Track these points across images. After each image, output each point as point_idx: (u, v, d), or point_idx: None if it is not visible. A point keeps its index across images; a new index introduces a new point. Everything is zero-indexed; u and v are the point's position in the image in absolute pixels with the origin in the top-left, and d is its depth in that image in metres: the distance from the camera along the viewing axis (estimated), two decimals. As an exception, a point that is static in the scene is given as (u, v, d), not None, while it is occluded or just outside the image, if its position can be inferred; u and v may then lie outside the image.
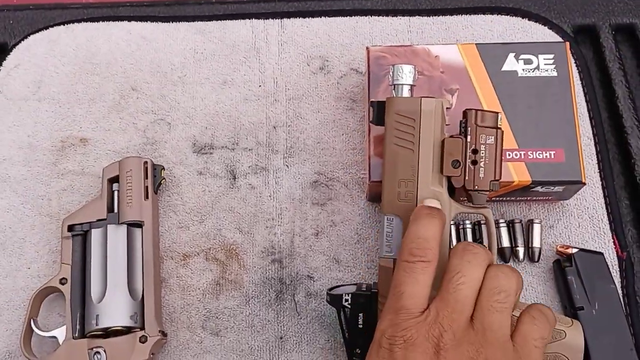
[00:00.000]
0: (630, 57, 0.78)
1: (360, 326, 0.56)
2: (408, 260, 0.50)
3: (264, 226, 0.68)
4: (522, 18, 0.76)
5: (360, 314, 0.57)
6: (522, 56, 0.66)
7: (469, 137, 0.55)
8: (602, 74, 0.76)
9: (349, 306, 0.57)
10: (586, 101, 0.72)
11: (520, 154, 0.62)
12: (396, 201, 0.55)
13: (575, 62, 0.74)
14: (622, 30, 0.78)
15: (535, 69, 0.65)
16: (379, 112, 0.58)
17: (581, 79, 0.73)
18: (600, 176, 0.69)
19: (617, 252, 0.65)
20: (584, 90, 0.72)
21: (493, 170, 0.54)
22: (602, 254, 0.63)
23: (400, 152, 0.55)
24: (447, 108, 0.61)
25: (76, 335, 0.62)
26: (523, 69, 0.65)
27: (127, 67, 0.76)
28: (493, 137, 0.54)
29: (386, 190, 0.56)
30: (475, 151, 0.55)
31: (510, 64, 0.66)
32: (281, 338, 0.64)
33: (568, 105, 0.64)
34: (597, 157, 0.69)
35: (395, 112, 0.56)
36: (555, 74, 0.65)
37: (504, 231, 0.66)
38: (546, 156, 0.62)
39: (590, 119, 0.71)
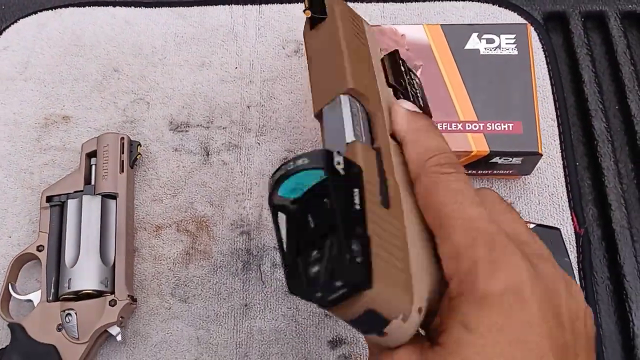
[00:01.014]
0: (600, 44, 0.79)
1: (358, 207, 0.35)
2: (440, 172, 0.40)
3: (234, 200, 0.71)
4: (493, 4, 0.78)
5: (356, 189, 0.36)
6: (485, 36, 0.68)
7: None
8: (570, 59, 0.78)
9: (342, 174, 0.36)
10: (551, 84, 0.74)
11: (480, 126, 0.64)
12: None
13: (543, 47, 0.76)
14: (592, 18, 0.80)
15: (497, 47, 0.67)
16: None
17: (547, 63, 0.75)
18: (562, 156, 0.70)
19: (575, 228, 0.66)
20: (549, 73, 0.74)
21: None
22: (559, 229, 0.65)
23: (357, 42, 0.48)
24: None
25: (50, 298, 0.65)
26: (485, 48, 0.68)
27: (110, 50, 0.79)
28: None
29: (352, 70, 0.45)
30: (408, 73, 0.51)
31: (473, 43, 0.68)
32: (246, 305, 0.66)
33: (527, 81, 0.66)
34: (560, 137, 0.71)
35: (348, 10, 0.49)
36: (516, 52, 0.67)
37: (465, 206, 0.67)
38: (504, 128, 0.64)
39: (555, 101, 0.73)
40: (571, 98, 0.76)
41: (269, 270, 0.67)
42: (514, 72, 0.66)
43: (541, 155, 0.63)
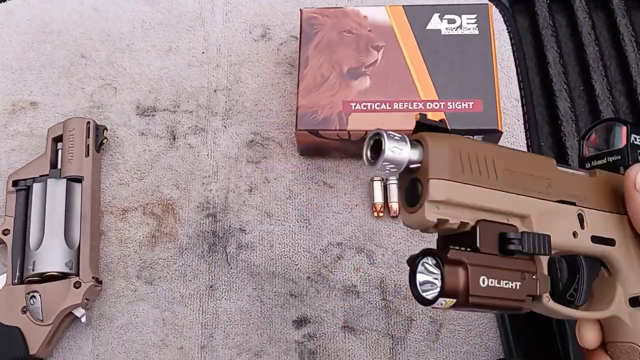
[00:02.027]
0: (565, 26, 0.80)
1: None
2: None
3: (200, 183, 0.71)
4: (459, -13, 0.78)
5: None
6: (446, 16, 0.68)
7: None
8: (535, 41, 0.78)
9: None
10: (516, 65, 0.74)
11: (440, 105, 0.64)
12: None
13: (508, 29, 0.76)
14: (558, 1, 0.80)
15: (458, 27, 0.68)
16: None
17: (512, 45, 0.75)
18: (526, 135, 0.71)
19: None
20: (514, 55, 0.75)
21: None
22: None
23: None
24: (372, 63, 0.65)
25: (15, 281, 0.65)
26: (446, 28, 0.68)
27: (78, 36, 0.79)
28: None
29: None
30: None
31: (435, 23, 0.68)
32: (211, 287, 0.66)
33: (488, 60, 0.66)
34: (524, 117, 0.72)
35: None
36: (476, 32, 0.68)
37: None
38: (465, 107, 0.64)
39: (519, 81, 0.73)
40: (536, 79, 0.76)
41: (235, 252, 0.67)
42: (474, 51, 0.67)
43: (501, 132, 0.64)
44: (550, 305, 0.42)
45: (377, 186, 0.68)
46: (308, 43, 0.69)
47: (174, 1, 0.81)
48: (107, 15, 0.80)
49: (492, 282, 0.38)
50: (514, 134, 0.71)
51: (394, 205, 0.67)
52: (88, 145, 0.70)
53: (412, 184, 0.39)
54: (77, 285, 0.64)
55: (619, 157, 0.50)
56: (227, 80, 0.76)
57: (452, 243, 0.39)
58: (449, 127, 0.40)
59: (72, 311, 0.64)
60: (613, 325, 0.47)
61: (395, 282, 0.65)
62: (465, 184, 0.39)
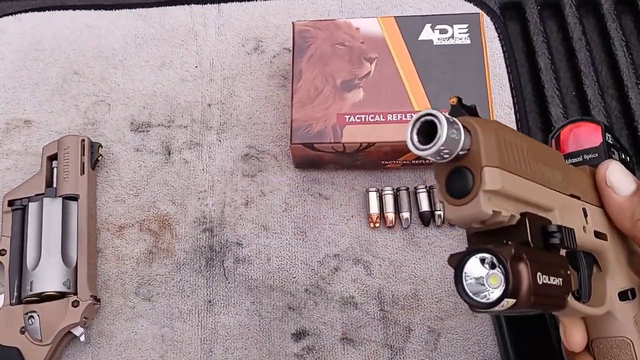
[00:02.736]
0: (556, 31, 0.80)
1: None
2: None
3: (196, 198, 0.71)
4: (450, -4, 0.79)
5: None
6: (438, 26, 0.69)
7: None
8: (527, 47, 0.79)
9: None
10: (508, 72, 0.75)
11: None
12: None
13: (499, 36, 0.77)
14: (548, 6, 0.81)
15: (450, 37, 0.68)
16: None
17: (504, 52, 0.76)
18: (520, 142, 0.71)
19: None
20: (506, 62, 0.75)
21: None
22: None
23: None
24: (365, 75, 0.65)
25: (13, 301, 0.65)
26: (438, 38, 0.68)
27: (70, 53, 0.79)
28: None
29: None
30: None
31: (426, 33, 0.68)
32: (210, 302, 0.66)
33: (480, 69, 0.66)
34: (517, 124, 0.72)
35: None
36: (468, 41, 0.68)
37: (423, 196, 0.68)
38: (457, 118, 0.64)
39: (511, 88, 0.74)
40: (528, 85, 0.77)
41: (232, 266, 0.68)
42: (467, 60, 0.67)
43: (495, 141, 0.64)
44: (573, 304, 0.41)
45: (373, 197, 0.68)
46: (301, 56, 0.69)
47: (166, 16, 0.81)
48: (99, 31, 0.80)
49: (545, 279, 0.36)
50: (507, 142, 0.71)
51: (390, 216, 0.67)
52: (83, 162, 0.70)
53: (459, 173, 0.36)
54: (75, 304, 0.64)
55: (596, 154, 0.51)
56: (221, 94, 0.76)
57: (489, 240, 0.37)
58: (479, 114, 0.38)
59: (71, 330, 0.64)
60: (602, 322, 0.47)
61: (393, 292, 0.65)
62: (513, 173, 0.37)
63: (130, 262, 0.69)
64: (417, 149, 0.35)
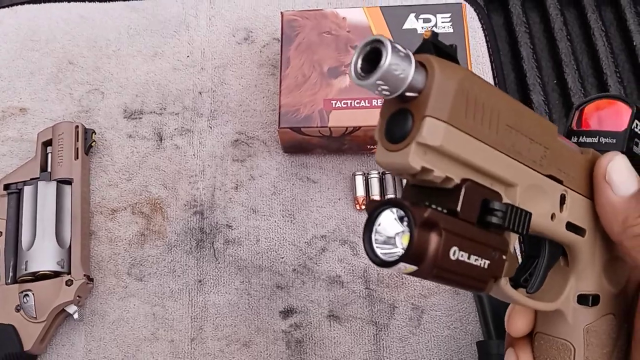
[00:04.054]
0: (539, 23, 0.83)
1: None
2: None
3: (187, 182, 0.73)
4: (435, -12, 0.81)
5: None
6: (422, 16, 0.71)
7: None
8: (510, 38, 0.81)
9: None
10: (491, 61, 0.77)
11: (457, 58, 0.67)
12: None
13: (482, 27, 0.79)
14: (531, -2, 0.83)
15: (433, 26, 0.70)
16: None
17: (487, 42, 0.78)
18: (502, 127, 0.73)
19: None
20: (489, 51, 0.77)
21: None
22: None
23: None
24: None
25: (9, 281, 0.66)
26: (422, 27, 0.71)
27: (65, 43, 0.81)
28: None
29: None
30: None
31: (411, 22, 0.71)
32: (200, 281, 0.68)
33: (462, 57, 0.69)
34: (500, 110, 0.74)
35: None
36: (451, 30, 0.70)
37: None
38: (439, 102, 0.66)
39: (494, 77, 0.76)
40: (511, 74, 0.79)
41: (222, 247, 0.69)
42: (449, 48, 0.69)
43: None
44: (506, 290, 0.37)
45: (359, 180, 0.70)
46: (289, 44, 0.71)
47: (159, 7, 0.83)
48: (94, 22, 0.82)
49: (462, 256, 0.31)
50: (490, 127, 0.73)
51: (376, 199, 0.69)
52: (77, 148, 0.72)
53: (401, 116, 0.31)
54: (69, 282, 0.65)
55: (614, 140, 0.43)
56: (212, 83, 0.78)
57: (423, 197, 0.33)
58: (457, 59, 0.32)
59: (65, 308, 0.65)
60: (551, 318, 0.43)
61: (378, 271, 0.67)
62: (464, 132, 0.32)
63: (123, 243, 0.70)
64: (357, 76, 0.29)
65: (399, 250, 0.31)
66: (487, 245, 0.33)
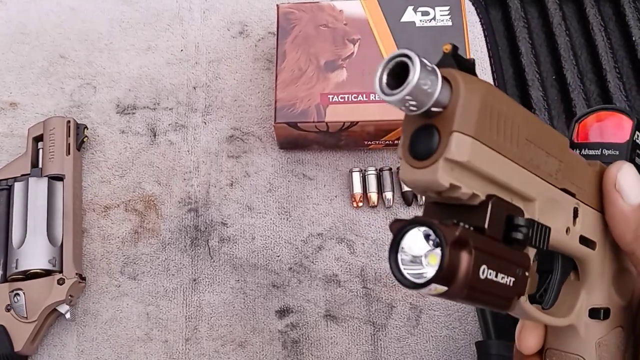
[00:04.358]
0: (537, 17, 0.82)
1: None
2: None
3: (182, 178, 0.72)
4: (432, -18, 0.80)
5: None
6: (420, 9, 0.70)
7: None
8: (508, 33, 0.80)
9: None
10: (489, 56, 0.76)
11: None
12: None
13: (481, 21, 0.78)
14: (529, -8, 0.82)
15: (432, 19, 0.69)
16: None
17: (485, 37, 0.77)
18: (501, 124, 0.72)
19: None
20: (487, 46, 0.76)
21: None
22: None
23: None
24: (348, 55, 0.66)
25: (-1, 280, 0.65)
26: (420, 20, 0.69)
27: (56, 37, 0.80)
28: None
29: None
30: None
31: (409, 15, 0.70)
32: (195, 280, 0.67)
33: (461, 50, 0.67)
34: (499, 106, 0.73)
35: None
36: (450, 23, 0.69)
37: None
38: (438, 98, 0.65)
39: (493, 72, 0.75)
40: (510, 69, 0.78)
41: (217, 246, 0.68)
42: (448, 41, 0.68)
43: (476, 121, 0.65)
44: (526, 307, 0.36)
45: (356, 177, 0.69)
46: (285, 37, 0.70)
47: (152, 0, 0.81)
48: (85, 15, 0.81)
49: (490, 274, 0.31)
50: (488, 123, 0.72)
51: (373, 196, 0.68)
52: (69, 144, 0.70)
53: (426, 131, 0.30)
54: (60, 281, 0.64)
55: (617, 152, 0.43)
56: (206, 77, 0.76)
57: (446, 215, 0.32)
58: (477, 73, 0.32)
59: (57, 308, 0.64)
60: (563, 333, 0.43)
61: (376, 270, 0.66)
62: (489, 147, 0.31)
63: (116, 241, 0.69)
64: (383, 92, 0.29)
65: (425, 270, 0.30)
66: (512, 262, 0.32)
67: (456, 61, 0.31)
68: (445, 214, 0.32)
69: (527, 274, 0.33)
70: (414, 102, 0.28)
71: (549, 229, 0.34)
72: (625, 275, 0.43)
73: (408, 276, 0.30)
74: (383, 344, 0.63)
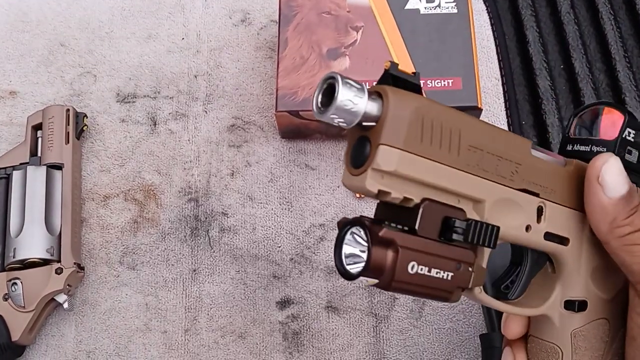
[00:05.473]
0: (545, 5, 0.80)
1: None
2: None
3: (182, 168, 0.71)
4: (438, -31, 0.78)
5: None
6: (425, -4, 0.69)
7: None
8: (515, 21, 0.78)
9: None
10: (496, 45, 0.74)
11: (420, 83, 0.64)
12: None
13: (487, 9, 0.76)
14: (537, -20, 0.80)
15: (436, 6, 0.68)
16: None
17: (492, 25, 0.75)
18: (507, 114, 0.71)
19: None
20: (494, 34, 0.75)
21: None
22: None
23: None
24: (351, 43, 0.64)
25: (-4, 269, 0.64)
26: (425, 7, 0.68)
27: (57, 25, 0.79)
28: None
29: None
30: None
31: (413, 2, 0.68)
32: (194, 270, 0.66)
33: (467, 38, 0.66)
34: (505, 96, 0.72)
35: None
36: (455, 11, 0.68)
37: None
38: (444, 84, 0.64)
39: (499, 61, 0.73)
40: (517, 58, 0.76)
41: (217, 236, 0.67)
42: (453, 29, 0.67)
43: (481, 109, 0.64)
44: (480, 297, 0.39)
45: (359, 167, 0.68)
46: (287, 25, 0.69)
47: (153, -12, 0.80)
48: (86, 3, 0.80)
49: (421, 270, 0.34)
50: (494, 113, 0.71)
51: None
52: (68, 132, 0.69)
53: (361, 143, 0.33)
54: (58, 271, 0.63)
55: (605, 149, 0.44)
56: (208, 66, 0.75)
57: (391, 214, 0.35)
58: (420, 84, 0.35)
59: (55, 297, 0.63)
60: (540, 322, 0.45)
61: (378, 261, 0.65)
62: (420, 156, 0.34)
63: (115, 231, 0.68)
64: (317, 111, 0.32)
65: (361, 264, 0.33)
66: (450, 258, 0.35)
67: (393, 77, 0.34)
68: (390, 213, 0.35)
69: (470, 269, 0.36)
70: (341, 120, 0.31)
71: (497, 228, 0.36)
72: (610, 269, 0.44)
73: (347, 268, 0.34)
74: (385, 336, 0.62)
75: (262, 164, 0.70)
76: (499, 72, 0.73)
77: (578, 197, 0.42)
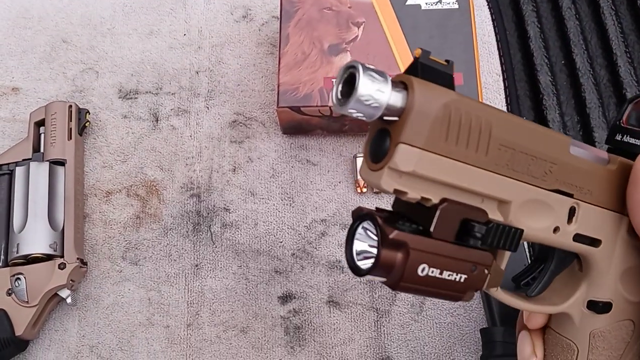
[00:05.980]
0: (546, 1, 0.80)
1: None
2: None
3: (184, 164, 0.71)
4: (439, -35, 0.79)
5: None
6: (426, -8, 0.69)
7: None
8: (516, 17, 0.78)
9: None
10: (497, 41, 0.74)
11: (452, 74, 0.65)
12: None
13: (488, 5, 0.76)
14: (538, -24, 0.80)
15: (438, 2, 0.68)
16: None
17: (493, 20, 0.76)
18: (508, 109, 0.71)
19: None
20: (495, 30, 0.75)
21: None
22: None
23: None
24: (352, 39, 0.64)
25: (0, 264, 0.65)
26: (426, 3, 0.68)
27: (59, 21, 0.79)
28: None
29: None
30: None
31: (414, -1, 0.68)
32: (197, 265, 0.66)
33: (468, 33, 0.66)
34: (505, 91, 0.72)
35: None
36: (456, 6, 0.68)
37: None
38: (444, 81, 0.64)
39: (500, 56, 0.74)
40: (518, 54, 0.77)
41: (219, 231, 0.68)
42: (455, 25, 0.67)
43: (482, 104, 0.64)
44: (497, 294, 0.37)
45: (360, 163, 0.68)
46: (288, 21, 0.69)
47: (155, -16, 0.80)
48: (88, -1, 0.80)
49: (432, 272, 0.32)
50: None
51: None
52: (70, 128, 0.70)
53: (381, 136, 0.31)
54: (61, 266, 0.64)
55: None
56: (209, 62, 0.76)
57: (408, 208, 0.34)
58: (453, 75, 0.32)
59: (58, 292, 0.63)
60: (560, 318, 0.44)
61: (380, 256, 0.65)
62: (442, 156, 0.32)
63: (118, 227, 0.69)
64: (337, 102, 0.30)
65: (371, 261, 0.32)
66: (466, 261, 0.33)
67: (423, 67, 0.31)
68: (408, 206, 0.34)
69: (486, 271, 0.34)
70: (360, 115, 0.29)
71: (520, 231, 0.34)
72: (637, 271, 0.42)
73: (357, 262, 0.33)
74: (386, 331, 0.63)
75: (263, 160, 0.70)
76: (500, 68, 0.73)
77: (617, 197, 0.39)
